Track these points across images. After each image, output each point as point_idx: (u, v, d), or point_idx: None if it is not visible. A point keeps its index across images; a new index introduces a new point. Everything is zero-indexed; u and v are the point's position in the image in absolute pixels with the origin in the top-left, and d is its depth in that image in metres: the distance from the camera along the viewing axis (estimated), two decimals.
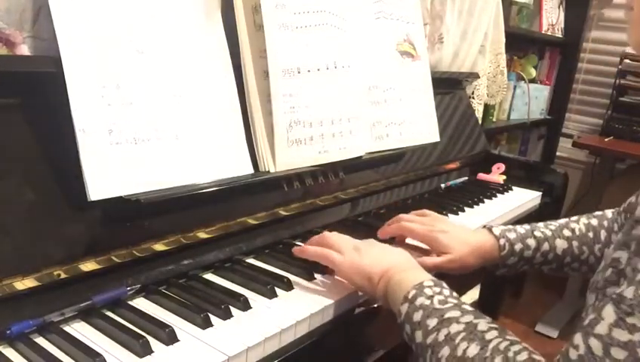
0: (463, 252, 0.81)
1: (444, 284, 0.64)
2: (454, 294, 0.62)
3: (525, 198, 1.26)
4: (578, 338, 0.46)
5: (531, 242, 0.83)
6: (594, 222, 0.85)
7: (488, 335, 0.54)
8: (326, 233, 0.78)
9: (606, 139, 2.28)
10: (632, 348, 0.42)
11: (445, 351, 0.55)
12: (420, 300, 0.61)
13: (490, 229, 0.84)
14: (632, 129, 2.27)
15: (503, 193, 1.28)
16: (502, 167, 1.40)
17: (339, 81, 0.92)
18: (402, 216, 0.89)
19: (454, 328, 0.56)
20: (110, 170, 0.65)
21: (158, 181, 0.69)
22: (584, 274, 0.86)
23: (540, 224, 0.86)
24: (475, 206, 1.15)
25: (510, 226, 0.85)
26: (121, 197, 0.65)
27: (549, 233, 0.84)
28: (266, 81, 0.83)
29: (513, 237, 0.83)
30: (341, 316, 0.71)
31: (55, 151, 0.64)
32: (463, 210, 1.11)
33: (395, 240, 0.89)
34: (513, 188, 1.32)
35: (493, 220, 1.11)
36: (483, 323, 0.56)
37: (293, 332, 0.64)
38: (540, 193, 1.31)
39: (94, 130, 0.64)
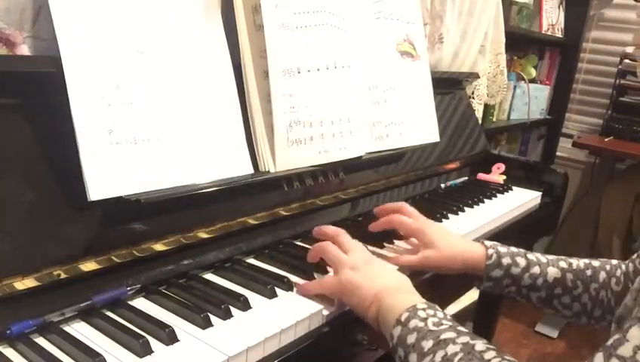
0: (445, 252, 0.81)
1: (438, 307, 0.62)
2: (448, 316, 0.61)
3: (525, 198, 1.26)
4: (599, 359, 0.44)
5: (521, 261, 0.80)
6: (595, 263, 0.82)
7: (487, 356, 0.53)
8: (326, 245, 0.74)
9: (606, 139, 2.28)
10: None
11: None
12: (414, 322, 0.59)
13: (482, 241, 0.84)
14: (632, 129, 2.27)
15: (503, 193, 1.28)
16: (502, 167, 1.40)
17: (339, 81, 0.92)
18: (403, 207, 0.89)
19: (451, 349, 0.55)
20: (110, 170, 0.65)
21: (158, 181, 0.69)
22: (576, 317, 0.81)
23: (537, 253, 0.83)
24: (475, 206, 1.15)
25: (505, 245, 0.84)
26: (121, 197, 0.65)
27: (543, 259, 0.82)
28: (266, 81, 0.83)
29: (503, 251, 0.81)
30: (341, 316, 0.71)
31: (55, 152, 0.64)
32: (463, 210, 1.11)
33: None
34: (513, 188, 1.32)
35: (494, 220, 1.11)
36: (480, 344, 0.55)
37: (293, 332, 0.64)
38: (540, 193, 1.31)
39: (94, 130, 0.64)
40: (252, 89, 0.82)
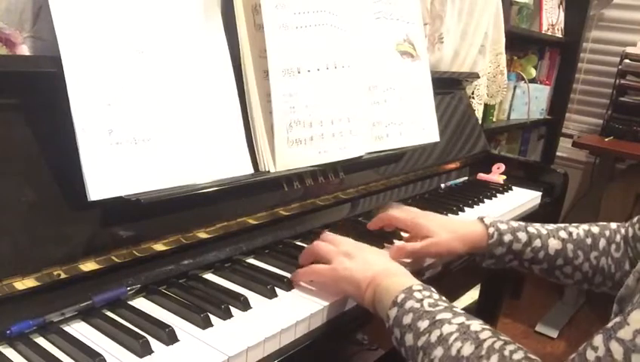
0: (447, 236, 0.80)
1: (433, 289, 0.63)
2: (443, 298, 0.61)
3: (525, 198, 1.26)
4: (598, 340, 0.44)
5: (522, 236, 0.81)
6: (595, 229, 0.82)
7: (482, 335, 0.54)
8: (315, 242, 0.76)
9: (606, 139, 2.28)
10: None
11: (438, 352, 0.54)
12: (410, 303, 0.60)
13: (481, 219, 0.84)
14: (632, 129, 2.27)
15: (503, 193, 1.28)
16: (502, 167, 1.40)
17: (339, 81, 0.92)
18: (389, 208, 0.90)
19: (447, 329, 0.55)
20: (110, 170, 0.65)
21: (158, 181, 0.69)
22: (578, 284, 0.82)
23: (537, 224, 0.84)
24: (475, 206, 1.15)
25: (504, 220, 0.84)
26: (121, 197, 0.65)
27: (543, 231, 0.82)
28: (266, 81, 0.83)
29: (504, 228, 0.81)
30: (341, 316, 0.71)
31: (55, 151, 0.64)
32: (463, 210, 1.11)
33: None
34: (513, 188, 1.32)
35: None
36: (476, 324, 0.56)
37: (293, 333, 0.64)
38: (540, 193, 1.31)
39: (94, 130, 0.64)
40: (252, 89, 0.82)
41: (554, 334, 2.19)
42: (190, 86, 0.75)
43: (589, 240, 0.81)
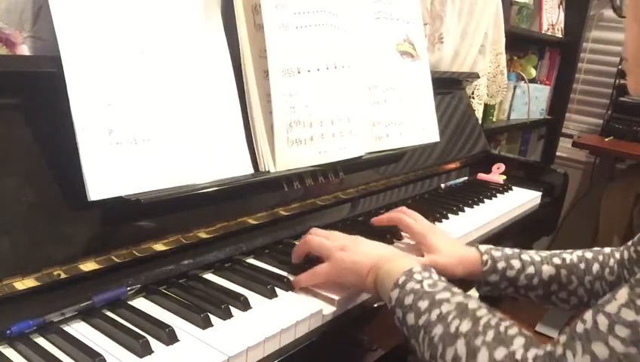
0: (450, 257, 0.81)
1: (432, 270, 0.66)
2: (442, 278, 0.65)
3: (525, 198, 1.26)
4: (588, 314, 0.48)
5: (516, 263, 0.81)
6: (588, 255, 0.83)
7: (479, 313, 0.56)
8: (307, 237, 0.77)
9: (606, 139, 2.28)
10: (635, 328, 0.43)
11: (438, 330, 0.57)
12: (411, 285, 0.63)
13: (477, 246, 0.84)
14: (632, 129, 2.27)
15: (503, 193, 1.28)
16: (502, 167, 1.40)
17: (339, 81, 0.92)
18: (404, 209, 0.91)
19: (446, 308, 0.58)
20: (110, 170, 0.65)
21: (158, 181, 0.69)
22: (574, 308, 0.83)
23: (531, 251, 0.85)
24: (475, 206, 1.15)
25: (500, 247, 0.84)
26: (121, 197, 0.65)
27: (537, 258, 0.82)
28: (266, 81, 0.83)
29: (497, 256, 0.82)
30: (341, 316, 0.71)
31: (55, 152, 0.64)
32: (463, 210, 1.11)
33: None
34: (513, 188, 1.32)
35: (494, 220, 1.11)
36: (473, 302, 0.58)
37: (293, 333, 0.64)
38: (540, 193, 1.31)
39: (94, 130, 0.64)
40: (252, 89, 0.82)
41: (554, 334, 2.19)
42: (190, 86, 0.75)
43: (582, 265, 0.82)
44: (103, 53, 0.66)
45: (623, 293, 0.46)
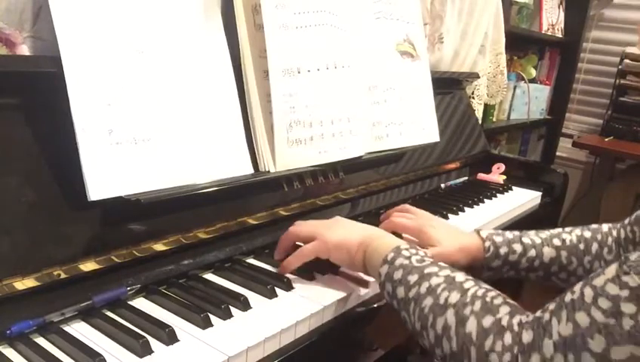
0: (450, 247, 0.82)
1: (419, 247, 0.69)
2: (429, 254, 0.68)
3: (525, 198, 1.26)
4: (577, 286, 0.50)
5: (517, 247, 0.83)
6: (587, 234, 0.85)
7: (466, 285, 0.59)
8: (290, 229, 0.79)
9: (606, 139, 2.28)
10: (616, 301, 0.46)
11: (428, 301, 0.59)
12: (400, 260, 0.65)
13: (478, 232, 0.85)
14: (632, 129, 2.27)
15: (503, 193, 1.28)
16: (502, 167, 1.40)
17: (339, 81, 0.92)
18: (399, 207, 0.93)
19: (435, 281, 0.61)
20: (110, 170, 0.65)
21: (158, 181, 0.69)
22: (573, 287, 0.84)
23: (531, 232, 0.86)
24: (475, 206, 1.15)
25: (500, 231, 0.86)
26: (121, 197, 0.65)
27: (537, 240, 0.84)
28: (266, 81, 0.83)
29: (499, 241, 0.83)
30: (341, 316, 0.71)
31: (55, 152, 0.64)
32: (463, 210, 1.11)
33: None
34: (513, 188, 1.32)
35: (494, 220, 1.11)
36: (460, 275, 0.61)
37: (293, 333, 0.64)
38: (540, 193, 1.31)
39: (94, 130, 0.64)
40: (252, 89, 0.82)
41: None
42: (190, 86, 0.75)
43: (581, 246, 0.83)
44: (103, 53, 0.66)
45: (611, 269, 0.48)
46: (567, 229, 0.86)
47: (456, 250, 0.82)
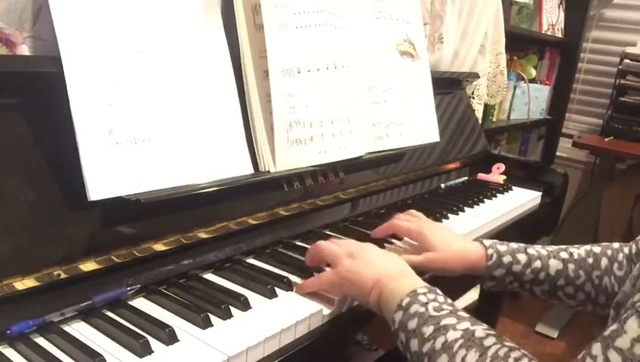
0: (448, 253, 0.81)
1: (439, 291, 0.63)
2: (449, 301, 0.61)
3: (525, 198, 1.26)
4: (597, 349, 0.45)
5: (522, 257, 0.80)
6: (596, 249, 0.81)
7: (487, 342, 0.53)
8: (319, 242, 0.75)
9: (606, 139, 2.28)
10: None
11: (443, 359, 0.54)
12: (415, 307, 0.60)
13: (481, 241, 0.84)
14: (632, 129, 2.27)
15: (503, 193, 1.28)
16: (502, 167, 1.40)
17: (339, 81, 0.92)
18: (399, 215, 0.90)
19: (451, 335, 0.55)
20: (110, 170, 0.65)
21: (158, 181, 0.69)
22: (582, 305, 0.81)
23: (538, 245, 0.83)
24: (475, 206, 1.15)
25: (505, 242, 0.84)
26: (121, 197, 0.65)
27: (543, 252, 0.81)
28: (266, 81, 0.83)
29: (503, 250, 0.81)
30: (341, 316, 0.71)
31: (55, 151, 0.64)
32: (463, 210, 1.11)
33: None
34: (513, 188, 1.32)
35: (494, 220, 1.11)
36: (480, 330, 0.55)
37: (293, 333, 0.64)
38: (540, 193, 1.31)
39: (94, 130, 0.64)
40: (252, 89, 0.82)
41: (554, 334, 2.19)
42: (190, 86, 0.75)
43: (590, 260, 0.80)
44: (103, 53, 0.66)
45: (632, 325, 0.43)
46: (576, 245, 0.83)
47: (453, 256, 0.81)
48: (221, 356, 0.56)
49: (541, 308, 2.32)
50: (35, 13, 0.69)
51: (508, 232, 1.14)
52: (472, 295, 1.82)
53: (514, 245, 0.82)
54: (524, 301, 2.39)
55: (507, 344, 0.53)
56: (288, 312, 0.66)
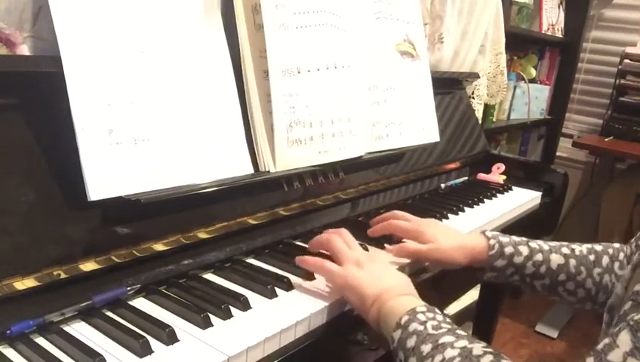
0: (448, 244, 0.81)
1: (437, 310, 0.63)
2: (447, 319, 0.61)
3: (525, 198, 1.26)
4: None
5: (524, 249, 0.80)
6: (598, 247, 0.82)
7: (484, 360, 0.53)
8: (333, 236, 0.75)
9: (606, 139, 2.28)
10: None
11: None
12: (413, 326, 0.60)
13: (483, 232, 0.84)
14: (632, 129, 2.27)
15: (503, 193, 1.28)
16: (502, 167, 1.40)
17: (339, 81, 0.92)
18: (395, 212, 0.90)
19: (449, 353, 0.55)
20: (110, 170, 0.65)
21: (158, 181, 0.69)
22: (581, 302, 0.81)
23: (540, 240, 0.84)
24: (475, 206, 1.15)
25: (506, 234, 0.84)
26: (121, 197, 0.65)
27: (545, 246, 0.81)
28: (266, 81, 0.83)
29: (505, 241, 0.81)
30: (341, 316, 0.71)
31: (55, 151, 0.64)
32: (463, 210, 1.11)
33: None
34: (513, 188, 1.32)
35: (494, 220, 1.11)
36: (478, 348, 0.55)
37: (293, 333, 0.64)
38: (540, 193, 1.31)
39: (94, 130, 0.64)
40: (252, 89, 0.82)
41: (554, 334, 2.19)
42: (190, 86, 0.75)
43: (591, 257, 0.80)
44: (103, 53, 0.66)
45: (624, 339, 0.43)
46: (577, 243, 0.83)
47: (454, 247, 0.81)
48: (221, 356, 0.56)
49: (541, 308, 2.32)
50: (35, 13, 0.69)
51: (508, 232, 1.13)
52: (472, 295, 1.82)
53: (516, 238, 0.83)
54: (524, 301, 2.39)
55: (504, 361, 0.53)
56: (288, 312, 0.66)
